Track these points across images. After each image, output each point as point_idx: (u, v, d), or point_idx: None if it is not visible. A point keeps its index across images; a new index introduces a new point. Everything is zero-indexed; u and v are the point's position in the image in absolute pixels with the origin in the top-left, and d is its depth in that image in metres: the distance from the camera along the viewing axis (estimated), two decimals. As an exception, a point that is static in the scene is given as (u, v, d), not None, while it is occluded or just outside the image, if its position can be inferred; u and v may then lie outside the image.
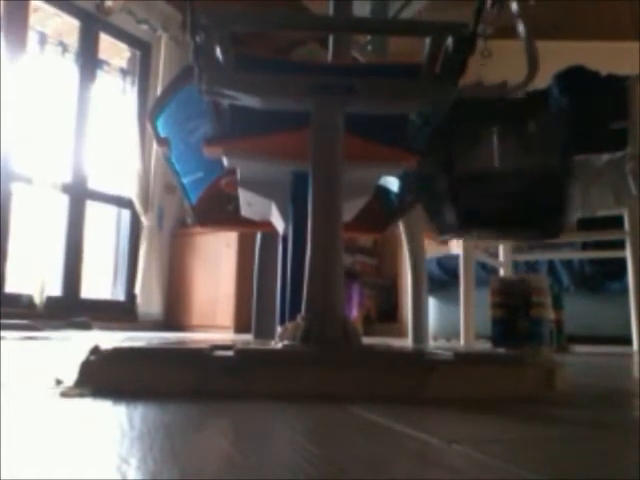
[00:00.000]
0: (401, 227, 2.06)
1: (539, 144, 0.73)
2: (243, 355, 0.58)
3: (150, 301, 3.76)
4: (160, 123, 0.99)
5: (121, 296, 3.83)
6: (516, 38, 1.68)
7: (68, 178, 3.48)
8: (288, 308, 0.91)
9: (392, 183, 1.11)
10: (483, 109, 0.75)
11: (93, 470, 0.28)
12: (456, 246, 2.93)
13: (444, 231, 0.77)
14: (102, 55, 3.73)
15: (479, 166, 0.73)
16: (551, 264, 2.78)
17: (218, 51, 0.73)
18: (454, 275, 2.56)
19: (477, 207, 0.72)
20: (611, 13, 3.41)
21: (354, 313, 4.25)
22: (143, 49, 3.94)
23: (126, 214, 3.89)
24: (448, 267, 2.95)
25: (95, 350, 0.58)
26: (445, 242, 3.66)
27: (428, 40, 0.75)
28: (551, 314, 1.61)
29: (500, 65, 1.65)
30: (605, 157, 1.83)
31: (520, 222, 0.75)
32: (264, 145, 0.90)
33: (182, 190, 1.15)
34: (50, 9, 3.40)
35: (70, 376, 0.57)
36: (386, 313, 4.53)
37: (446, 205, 0.74)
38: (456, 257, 2.34)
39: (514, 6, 1.47)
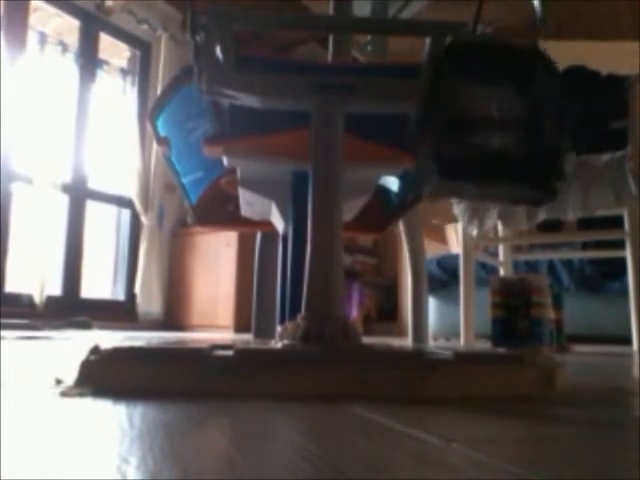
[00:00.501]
0: (401, 227, 2.06)
1: (535, 96, 0.70)
2: (243, 355, 0.58)
3: (150, 301, 3.76)
4: (160, 123, 0.99)
5: (121, 296, 3.83)
6: (516, 37, 1.68)
7: (68, 178, 3.48)
8: (288, 308, 0.91)
9: (392, 183, 1.11)
10: (480, 53, 0.72)
11: (93, 470, 0.28)
12: (456, 245, 2.93)
13: (424, 183, 0.74)
14: (102, 55, 3.73)
15: (465, 112, 0.70)
16: (551, 264, 2.78)
17: (218, 51, 0.73)
18: (454, 275, 2.56)
19: (461, 157, 0.69)
20: (611, 13, 3.41)
21: (354, 313, 4.26)
22: (143, 49, 3.94)
23: (126, 214, 3.89)
24: (448, 267, 2.95)
25: (95, 350, 0.58)
26: (444, 239, 3.66)
27: (428, 40, 0.75)
28: (551, 314, 1.61)
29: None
30: (605, 157, 1.83)
31: (508, 178, 0.71)
32: (264, 145, 0.90)
33: (182, 190, 1.15)
34: (50, 9, 3.40)
35: (70, 376, 0.57)
36: (386, 313, 4.53)
37: (428, 156, 0.71)
38: (456, 257, 2.34)
39: None
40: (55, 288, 3.37)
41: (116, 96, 3.85)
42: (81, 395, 0.52)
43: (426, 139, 0.69)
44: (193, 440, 0.36)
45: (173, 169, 1.09)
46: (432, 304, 2.90)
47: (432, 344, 2.27)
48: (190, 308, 3.85)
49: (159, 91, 3.66)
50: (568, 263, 2.75)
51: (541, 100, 0.69)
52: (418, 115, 0.71)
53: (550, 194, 0.70)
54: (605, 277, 2.67)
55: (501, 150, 0.68)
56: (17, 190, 3.16)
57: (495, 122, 0.68)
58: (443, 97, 0.69)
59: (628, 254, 1.90)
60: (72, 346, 1.38)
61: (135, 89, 3.90)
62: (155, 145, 2.96)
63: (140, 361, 0.58)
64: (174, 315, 3.90)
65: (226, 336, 3.05)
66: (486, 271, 2.60)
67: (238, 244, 3.67)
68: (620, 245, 1.97)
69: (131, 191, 3.73)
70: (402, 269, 4.17)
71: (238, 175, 0.97)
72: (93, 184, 3.66)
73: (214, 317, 3.72)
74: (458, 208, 2.04)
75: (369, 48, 2.05)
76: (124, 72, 3.91)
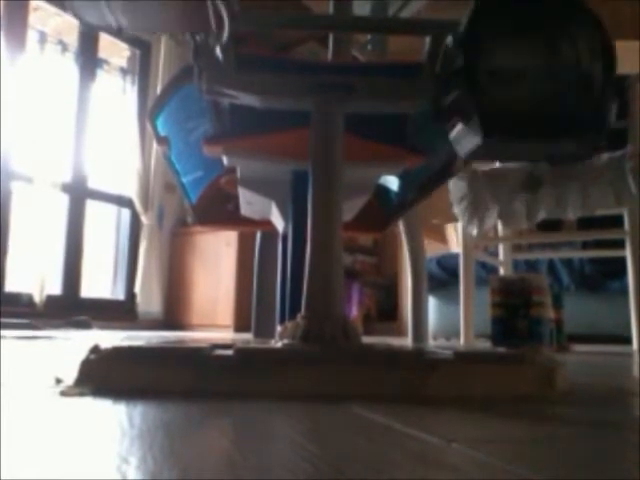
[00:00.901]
0: (401, 227, 2.06)
1: (576, 47, 0.67)
2: (243, 354, 0.58)
3: (150, 300, 3.76)
4: (160, 122, 0.99)
5: (121, 295, 3.83)
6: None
7: (68, 177, 3.48)
8: (288, 307, 0.91)
9: (392, 183, 1.11)
10: (520, 4, 0.69)
11: (93, 470, 0.28)
12: (456, 245, 2.93)
13: (465, 146, 0.69)
14: (102, 54, 3.73)
15: (506, 64, 0.67)
16: (551, 263, 2.78)
17: (218, 50, 0.73)
18: (454, 274, 2.56)
19: (503, 113, 0.66)
20: (611, 13, 3.41)
21: (354, 312, 4.26)
22: (143, 48, 3.94)
23: (126, 213, 3.89)
24: (448, 266, 2.95)
25: (95, 349, 0.58)
26: (444, 241, 3.66)
27: (428, 39, 0.75)
28: (551, 313, 1.61)
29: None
30: (605, 156, 1.83)
31: (552, 133, 0.67)
32: (264, 144, 0.90)
33: (182, 189, 1.15)
34: (50, 8, 3.39)
35: (70, 375, 0.57)
36: (386, 312, 4.53)
37: (467, 116, 0.66)
38: (456, 256, 2.34)
39: None
40: (55, 287, 3.38)
41: (116, 95, 3.85)
42: (81, 395, 0.52)
43: (463, 101, 0.66)
44: (193, 440, 0.36)
45: (173, 168, 1.09)
46: (432, 304, 2.90)
47: (432, 344, 2.27)
48: (190, 308, 3.85)
49: (159, 90, 3.66)
50: (568, 262, 2.75)
51: (584, 52, 0.67)
52: (453, 75, 0.68)
53: (593, 149, 0.66)
54: (605, 277, 2.67)
55: (545, 104, 0.65)
56: (17, 190, 3.16)
57: (538, 75, 0.65)
58: (484, 52, 0.66)
59: (628, 254, 1.90)
60: (72, 345, 1.38)
61: (135, 88, 3.90)
62: (155, 145, 2.96)
63: (140, 361, 0.58)
64: (174, 314, 3.90)
65: (226, 336, 3.05)
66: (486, 270, 2.60)
67: (238, 244, 3.67)
68: (620, 244, 1.97)
69: (131, 191, 3.73)
70: (402, 269, 4.17)
71: (238, 174, 0.97)
72: (93, 184, 3.66)
73: (214, 317, 3.72)
74: (458, 208, 2.04)
75: (369, 47, 2.05)
76: (124, 71, 3.91)
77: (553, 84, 0.66)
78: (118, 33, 0.68)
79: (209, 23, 0.65)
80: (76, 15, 0.63)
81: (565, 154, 0.73)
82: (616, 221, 1.96)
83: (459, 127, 0.67)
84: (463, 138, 0.67)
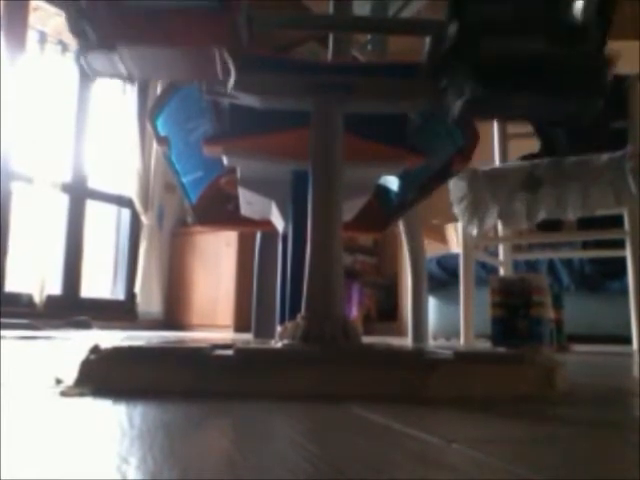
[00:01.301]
0: (401, 227, 2.06)
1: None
2: (243, 354, 0.58)
3: (150, 300, 3.76)
4: (160, 122, 0.99)
5: (121, 295, 3.83)
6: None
7: (68, 177, 3.48)
8: (288, 307, 0.91)
9: (392, 183, 1.11)
10: None
11: (93, 470, 0.28)
12: (456, 245, 2.93)
13: (458, 100, 0.65)
14: (102, 54, 3.73)
15: (495, 17, 0.64)
16: (551, 263, 2.78)
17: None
18: (454, 274, 2.56)
19: (491, 65, 0.62)
20: (611, 12, 3.40)
21: (354, 312, 4.26)
22: (143, 48, 3.94)
23: (126, 213, 3.89)
24: (448, 266, 2.95)
25: (95, 349, 0.58)
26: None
27: (428, 39, 0.75)
28: (551, 313, 1.61)
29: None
30: (605, 156, 1.83)
31: (543, 87, 0.64)
32: (264, 144, 0.90)
33: (182, 189, 1.15)
34: (50, 8, 3.39)
35: (70, 375, 0.57)
36: (386, 312, 4.53)
37: (457, 68, 0.63)
38: (456, 256, 2.34)
39: None
40: (55, 288, 3.37)
41: (116, 95, 3.85)
42: (81, 395, 0.52)
43: (457, 52, 0.64)
44: (193, 440, 0.36)
45: (173, 169, 1.09)
46: (432, 304, 2.89)
47: (432, 344, 2.27)
48: (190, 308, 3.85)
49: (159, 90, 3.66)
50: (568, 263, 2.74)
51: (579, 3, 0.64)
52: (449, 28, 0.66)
53: (591, 109, 0.63)
54: (605, 277, 2.67)
55: (535, 57, 0.63)
56: (17, 189, 3.16)
57: (528, 27, 0.63)
58: (472, 5, 0.64)
59: (628, 254, 1.89)
60: (72, 346, 1.38)
61: (135, 88, 3.89)
62: (155, 145, 2.96)
63: (140, 361, 0.58)
64: (174, 315, 3.90)
65: (226, 336, 3.05)
66: (486, 271, 2.60)
67: (238, 244, 3.67)
68: (620, 245, 1.97)
69: (131, 191, 3.73)
70: (402, 269, 4.17)
71: (238, 174, 0.97)
72: (93, 184, 3.66)
73: (214, 317, 3.72)
74: (458, 208, 2.04)
75: (369, 47, 2.05)
76: (124, 71, 3.91)
77: (544, 36, 0.64)
78: (129, 82, 0.70)
79: (216, 72, 0.66)
80: (89, 67, 0.64)
81: (559, 112, 0.70)
82: (616, 221, 1.96)
83: (450, 84, 0.66)
84: (453, 94, 0.66)
